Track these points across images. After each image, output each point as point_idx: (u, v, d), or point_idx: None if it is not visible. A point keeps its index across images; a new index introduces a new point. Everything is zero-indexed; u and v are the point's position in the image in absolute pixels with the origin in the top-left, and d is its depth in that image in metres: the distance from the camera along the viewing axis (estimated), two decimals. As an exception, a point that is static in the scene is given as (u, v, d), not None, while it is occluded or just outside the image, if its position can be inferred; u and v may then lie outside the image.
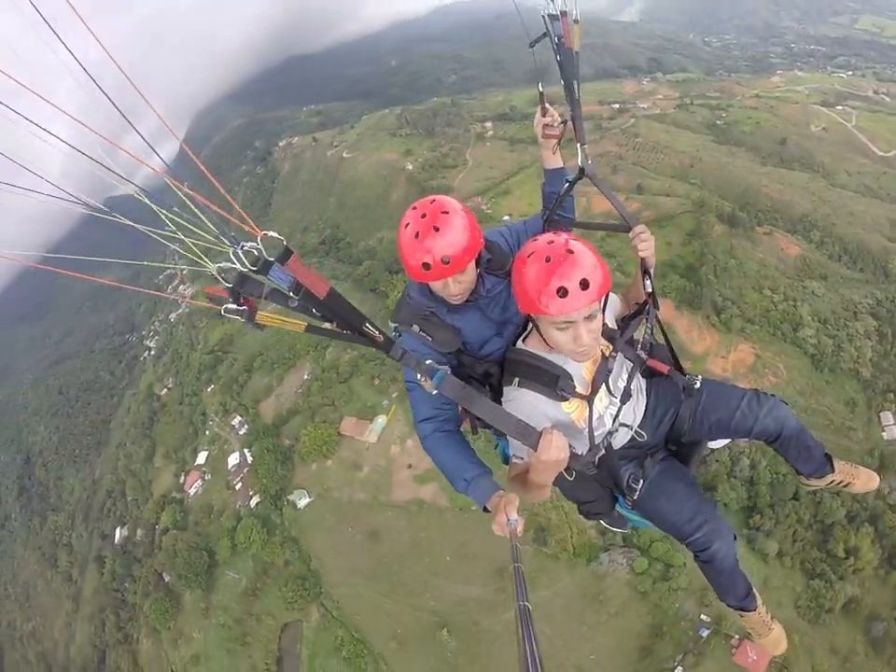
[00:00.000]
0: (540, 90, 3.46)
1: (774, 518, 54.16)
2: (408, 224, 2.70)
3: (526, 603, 1.65)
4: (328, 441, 67.25)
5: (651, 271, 3.20)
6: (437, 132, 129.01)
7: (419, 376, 2.64)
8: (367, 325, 2.37)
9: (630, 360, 3.08)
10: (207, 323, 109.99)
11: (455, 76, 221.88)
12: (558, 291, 2.42)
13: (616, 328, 3.12)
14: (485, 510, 2.80)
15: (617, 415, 3.03)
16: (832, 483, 3.52)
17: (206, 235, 1.77)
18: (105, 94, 1.53)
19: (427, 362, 2.64)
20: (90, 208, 1.62)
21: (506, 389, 2.92)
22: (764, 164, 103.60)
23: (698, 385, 3.24)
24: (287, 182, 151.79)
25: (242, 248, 1.87)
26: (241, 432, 79.86)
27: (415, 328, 2.99)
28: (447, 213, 2.67)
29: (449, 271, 2.69)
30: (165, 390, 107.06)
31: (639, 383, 3.24)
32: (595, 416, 2.91)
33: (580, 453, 2.85)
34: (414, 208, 2.75)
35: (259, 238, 1.86)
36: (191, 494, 78.84)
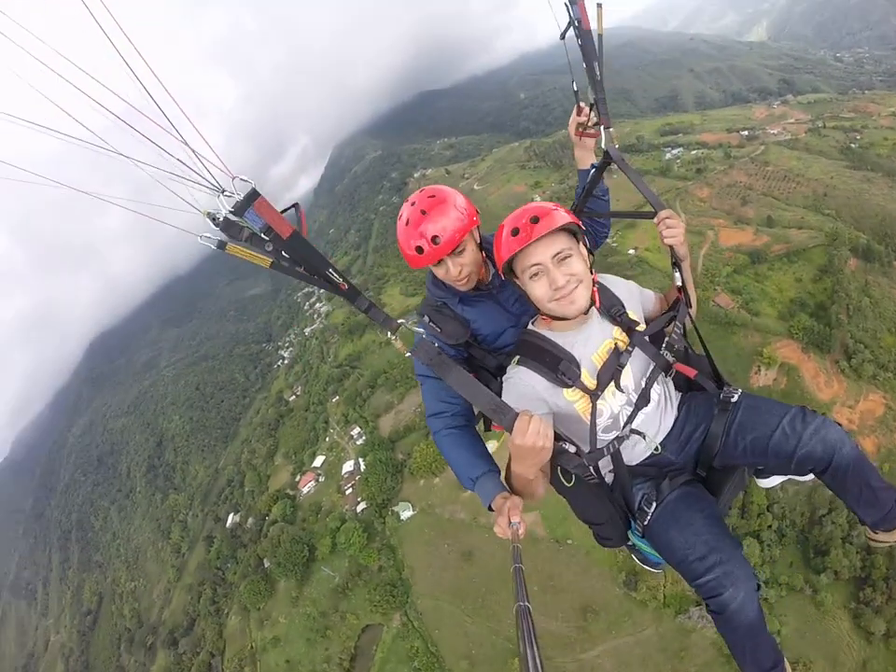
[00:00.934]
0: (575, 88, 3.38)
1: (887, 593, 50.38)
2: (401, 216, 2.85)
3: (527, 603, 1.63)
4: (438, 459, 70.45)
5: (683, 263, 2.99)
6: (565, 163, 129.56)
7: (390, 335, 2.59)
8: (331, 270, 2.34)
9: (652, 360, 2.86)
10: (339, 339, 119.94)
11: None
12: (512, 232, 2.56)
13: (639, 321, 2.93)
14: (490, 509, 2.72)
15: (630, 420, 2.80)
16: None
17: (196, 182, 1.91)
18: (198, 133, 1.76)
19: (400, 321, 2.60)
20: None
21: (508, 368, 2.83)
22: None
23: (735, 398, 2.88)
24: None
25: (223, 193, 2.01)
26: (358, 442, 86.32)
27: (426, 318, 3.02)
28: (433, 197, 2.83)
29: (441, 250, 2.77)
30: (293, 397, 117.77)
31: (666, 390, 2.99)
32: (603, 415, 2.75)
33: (579, 452, 2.67)
34: (408, 201, 2.89)
35: (231, 180, 1.99)
36: (304, 492, 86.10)
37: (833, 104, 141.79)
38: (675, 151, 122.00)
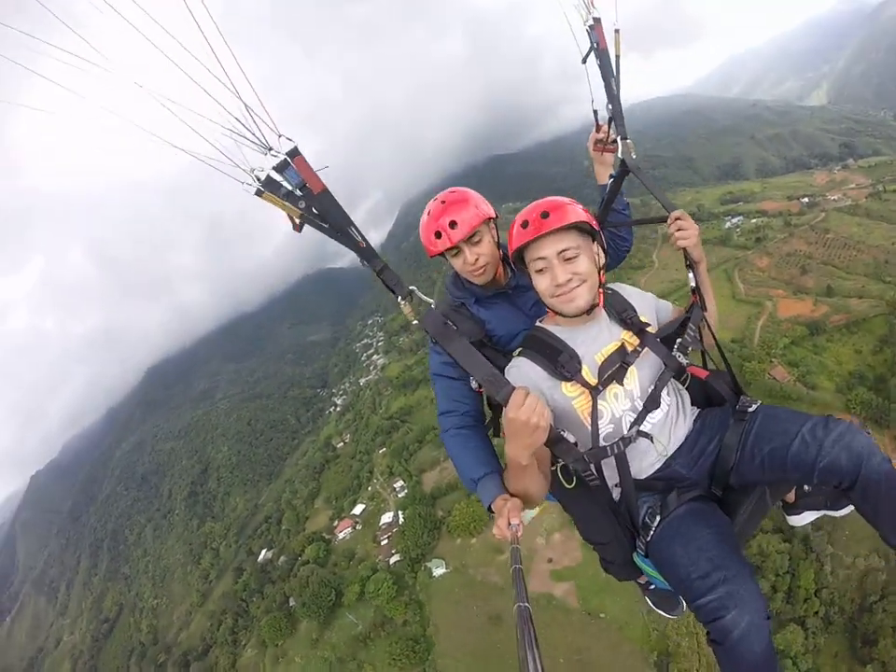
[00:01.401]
0: (594, 108, 3.52)
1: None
2: (426, 211, 3.11)
3: (527, 604, 1.62)
4: (477, 520, 71.63)
5: (699, 266, 3.03)
6: None
7: (400, 299, 2.62)
8: (353, 228, 2.47)
9: (663, 362, 2.80)
10: (392, 392, 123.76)
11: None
12: (522, 224, 2.63)
13: (650, 323, 2.91)
14: (490, 511, 2.76)
15: (637, 422, 2.70)
16: None
17: (248, 139, 2.10)
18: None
19: (411, 287, 2.66)
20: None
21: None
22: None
23: (753, 408, 2.72)
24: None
25: (270, 151, 2.21)
26: (400, 495, 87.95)
27: (442, 317, 2.94)
28: (454, 192, 3.11)
29: (458, 234, 2.94)
30: (341, 444, 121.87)
31: (679, 400, 2.89)
32: (604, 417, 2.68)
33: (578, 444, 2.61)
34: (433, 199, 3.14)
35: (277, 138, 2.19)
36: (339, 537, 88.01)
37: (894, 166, 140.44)
38: (735, 220, 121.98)
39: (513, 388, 2.31)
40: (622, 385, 2.70)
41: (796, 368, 74.17)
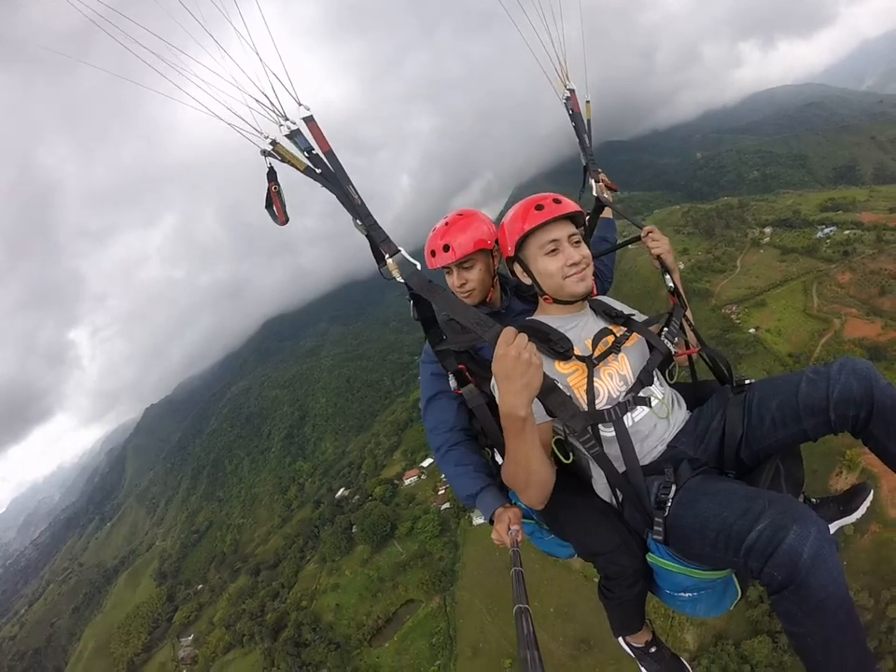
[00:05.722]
0: (584, 162, 4.10)
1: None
2: (434, 227, 3.45)
3: (526, 605, 1.68)
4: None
5: (673, 274, 3.32)
6: (716, 233, 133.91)
7: (387, 257, 2.68)
8: (351, 186, 2.63)
9: (653, 345, 2.97)
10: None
11: (757, 172, 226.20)
12: (535, 207, 2.84)
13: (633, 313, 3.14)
14: (491, 521, 2.95)
15: (632, 391, 2.78)
16: None
17: (267, 107, 2.44)
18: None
19: (399, 248, 2.69)
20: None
21: None
22: None
23: (749, 381, 2.82)
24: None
25: (287, 121, 2.51)
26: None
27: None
28: (461, 215, 3.44)
29: (449, 257, 3.28)
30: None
31: (672, 392, 3.03)
32: (600, 395, 2.73)
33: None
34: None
35: (298, 107, 2.51)
36: (405, 483, 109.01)
37: None
38: (828, 230, 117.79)
39: (502, 328, 2.31)
40: (616, 361, 2.84)
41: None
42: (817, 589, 1.89)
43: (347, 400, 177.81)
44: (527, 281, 3.01)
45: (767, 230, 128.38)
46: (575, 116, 4.00)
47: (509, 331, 2.23)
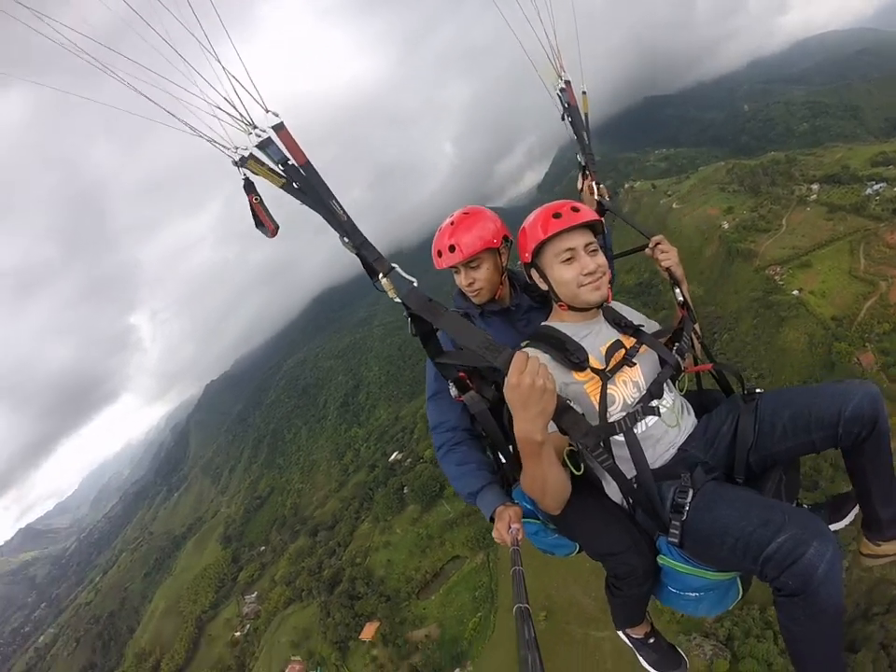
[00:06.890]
0: (581, 161, 4.00)
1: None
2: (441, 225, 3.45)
3: (527, 605, 1.69)
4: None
5: (682, 285, 3.35)
6: (761, 190, 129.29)
7: (381, 276, 2.53)
8: (334, 201, 2.47)
9: (664, 358, 3.01)
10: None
11: (807, 124, 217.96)
12: (553, 215, 2.88)
13: (644, 324, 3.18)
14: (492, 519, 2.97)
15: (643, 401, 2.85)
16: None
17: (234, 116, 2.24)
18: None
19: (393, 264, 2.55)
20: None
21: None
22: None
23: (760, 390, 2.91)
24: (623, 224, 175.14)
25: (255, 130, 2.31)
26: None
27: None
28: (467, 214, 3.40)
29: (455, 257, 3.29)
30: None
31: (682, 400, 3.13)
32: (615, 403, 2.80)
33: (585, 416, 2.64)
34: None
35: (265, 114, 2.29)
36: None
37: None
38: (878, 186, 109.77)
39: (513, 352, 2.29)
40: (629, 369, 2.90)
41: (886, 356, 75.55)
42: (825, 598, 2.14)
43: (399, 368, 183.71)
44: (544, 287, 3.08)
45: (815, 186, 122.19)
46: (571, 110, 3.89)
47: (520, 357, 2.24)
